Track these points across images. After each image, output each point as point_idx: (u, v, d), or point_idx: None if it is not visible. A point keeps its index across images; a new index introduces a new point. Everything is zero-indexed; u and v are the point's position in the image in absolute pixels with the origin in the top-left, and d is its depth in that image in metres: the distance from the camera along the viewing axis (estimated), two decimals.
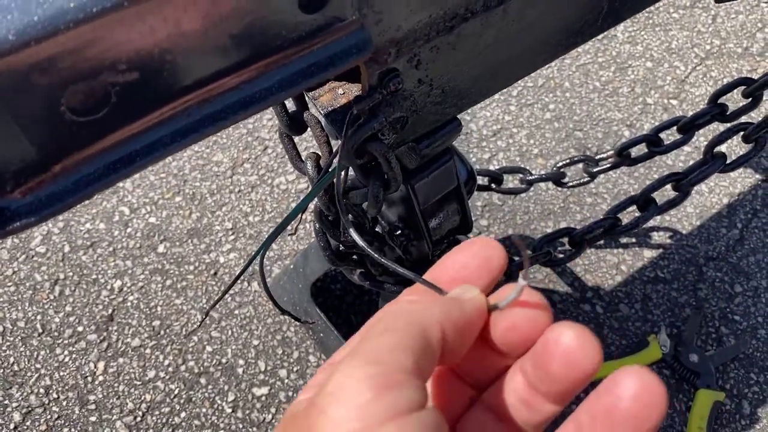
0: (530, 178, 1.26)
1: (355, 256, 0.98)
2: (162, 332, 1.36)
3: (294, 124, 0.83)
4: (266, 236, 1.43)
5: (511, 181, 1.47)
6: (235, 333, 1.35)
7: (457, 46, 0.67)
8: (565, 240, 1.10)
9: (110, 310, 1.38)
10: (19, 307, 1.39)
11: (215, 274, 1.43)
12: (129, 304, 1.39)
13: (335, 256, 0.95)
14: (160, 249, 1.46)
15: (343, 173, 0.77)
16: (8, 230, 0.47)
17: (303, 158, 0.88)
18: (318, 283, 1.30)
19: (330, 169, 0.78)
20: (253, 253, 0.87)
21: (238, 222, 1.49)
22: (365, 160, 0.75)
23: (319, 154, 0.88)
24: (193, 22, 0.45)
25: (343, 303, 1.38)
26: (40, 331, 1.36)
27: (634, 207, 1.06)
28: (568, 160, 1.24)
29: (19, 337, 1.35)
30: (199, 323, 1.34)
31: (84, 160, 0.48)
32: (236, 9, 0.46)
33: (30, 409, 1.28)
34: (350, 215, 0.92)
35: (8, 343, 1.35)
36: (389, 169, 0.72)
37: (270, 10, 0.49)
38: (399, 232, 0.97)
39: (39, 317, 1.38)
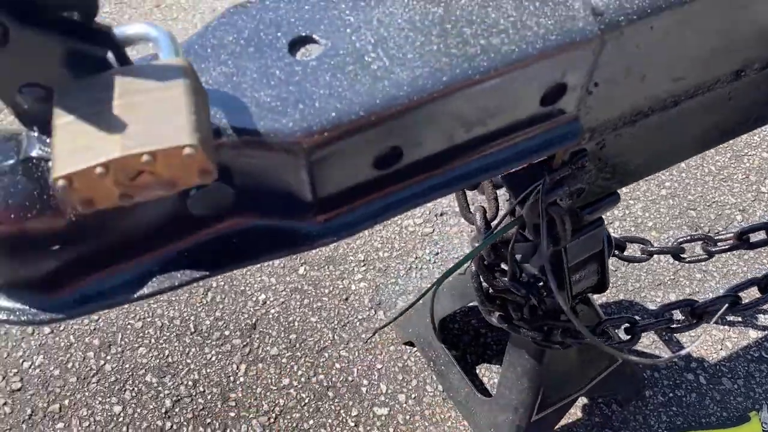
0: (651, 249, 1.36)
1: (498, 301, 1.12)
2: (297, 345, 1.52)
3: None
4: (393, 270, 1.58)
5: (632, 250, 1.57)
6: (361, 355, 1.50)
7: (635, 135, 0.81)
8: (686, 310, 1.20)
9: (254, 320, 1.56)
10: (176, 307, 1.59)
11: (347, 299, 1.59)
12: (270, 316, 1.56)
13: (485, 297, 1.09)
14: (301, 271, 1.63)
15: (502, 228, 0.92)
16: (315, 246, 0.64)
17: (472, 210, 1.03)
18: (441, 325, 1.44)
19: (501, 224, 0.93)
20: (425, 289, 1.02)
21: (369, 255, 1.66)
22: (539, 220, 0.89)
23: (486, 207, 1.03)
24: (471, 114, 0.61)
25: (460, 342, 1.51)
26: (192, 330, 1.55)
27: (754, 288, 1.16)
28: (688, 237, 1.34)
29: (175, 334, 1.55)
30: (365, 341, 1.50)
31: (370, 201, 0.64)
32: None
33: (179, 398, 1.46)
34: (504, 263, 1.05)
35: (165, 337, 1.54)
36: (563, 229, 0.86)
37: (519, 104, 0.64)
38: (541, 284, 1.09)
39: (192, 318, 1.57)
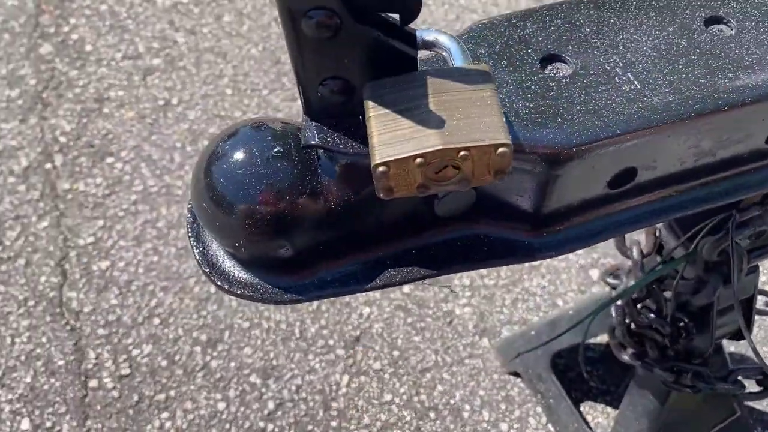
0: None
1: (636, 337, 1.11)
2: (400, 362, 1.53)
3: None
4: (499, 299, 1.58)
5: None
6: (464, 380, 1.50)
7: None
8: None
9: (358, 332, 1.58)
10: (282, 311, 1.61)
11: (450, 322, 1.60)
12: (374, 330, 1.58)
13: (627, 331, 1.08)
14: (405, 289, 1.65)
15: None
16: (535, 258, 0.65)
17: (627, 244, 1.03)
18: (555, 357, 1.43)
19: (667, 260, 0.93)
20: (587, 315, 1.02)
21: (475, 281, 1.66)
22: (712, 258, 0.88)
23: (640, 241, 1.03)
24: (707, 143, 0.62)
25: (564, 378, 1.50)
26: (298, 336, 1.58)
27: None
28: None
29: (280, 338, 1.57)
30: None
31: (590, 219, 0.66)
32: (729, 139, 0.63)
33: (282, 401, 1.48)
34: (652, 299, 1.05)
35: (270, 340, 1.57)
36: (739, 270, 0.86)
37: (750, 139, 0.65)
38: (682, 324, 1.09)
39: (298, 323, 1.59)
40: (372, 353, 1.55)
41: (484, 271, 1.68)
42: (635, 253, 0.99)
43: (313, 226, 0.58)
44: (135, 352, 1.56)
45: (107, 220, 1.77)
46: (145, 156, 1.90)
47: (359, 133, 0.55)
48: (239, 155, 0.56)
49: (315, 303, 1.63)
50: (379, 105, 0.48)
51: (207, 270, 0.61)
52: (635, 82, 0.60)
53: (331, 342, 1.56)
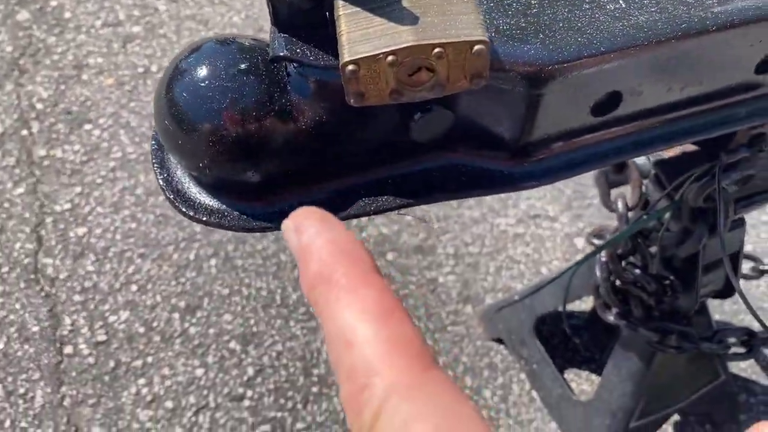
0: (763, 268, 1.33)
1: (620, 296, 1.09)
2: None
3: (620, 164, 0.97)
4: (483, 266, 1.57)
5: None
6: (447, 347, 1.48)
7: None
8: None
9: None
10: (264, 279, 1.59)
11: (433, 290, 1.57)
12: None
13: (611, 289, 1.06)
14: (389, 257, 1.62)
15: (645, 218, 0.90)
16: (516, 188, 0.62)
17: (612, 197, 1.01)
18: (538, 323, 1.41)
19: (649, 212, 0.91)
20: (572, 265, 1.00)
21: (459, 249, 1.64)
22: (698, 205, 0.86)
23: (626, 195, 1.01)
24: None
25: (548, 345, 1.48)
26: (279, 302, 1.55)
27: None
28: None
29: (261, 304, 1.55)
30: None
31: (574, 148, 0.63)
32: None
33: (262, 367, 1.45)
34: (638, 255, 1.03)
35: (251, 307, 1.54)
36: (725, 216, 0.84)
37: (738, 66, 0.63)
38: (668, 282, 1.07)
39: (279, 291, 1.57)
40: None
41: (469, 239, 1.66)
42: (620, 206, 0.97)
43: (283, 148, 0.55)
44: (111, 318, 1.53)
45: (85, 186, 1.73)
46: (124, 123, 1.86)
47: (332, 45, 0.52)
48: (202, 69, 0.53)
49: (297, 270, 1.60)
50: (349, 4, 0.45)
51: (171, 196, 0.58)
52: (620, 1, 0.57)
53: (312, 309, 1.54)
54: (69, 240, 1.65)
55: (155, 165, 0.60)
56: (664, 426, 1.36)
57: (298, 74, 0.53)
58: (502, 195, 1.75)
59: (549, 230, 1.67)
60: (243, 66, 0.53)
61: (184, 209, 0.58)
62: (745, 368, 1.45)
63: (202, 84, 0.53)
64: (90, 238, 1.65)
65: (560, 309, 1.40)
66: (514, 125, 0.59)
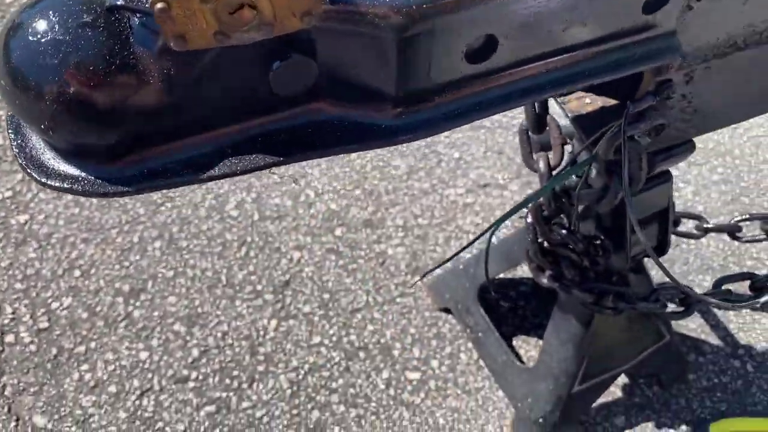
0: (707, 226, 1.31)
1: (551, 257, 1.08)
2: (330, 305, 1.48)
3: (538, 123, 0.95)
4: (432, 238, 1.54)
5: (687, 226, 1.50)
6: (395, 318, 1.46)
7: (722, 70, 0.77)
8: (744, 285, 1.15)
9: (287, 277, 1.53)
10: (209, 259, 1.56)
11: (383, 263, 1.55)
12: (304, 274, 1.53)
13: (540, 250, 1.04)
14: (337, 232, 1.60)
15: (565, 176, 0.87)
16: (394, 141, 0.60)
17: (535, 156, 0.99)
18: (481, 290, 1.39)
19: (569, 166, 0.88)
20: (484, 229, 0.98)
21: (409, 221, 1.62)
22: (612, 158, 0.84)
23: (549, 155, 0.99)
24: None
25: (496, 313, 1.47)
26: (224, 282, 1.52)
27: None
28: (747, 215, 1.29)
29: (206, 285, 1.52)
30: (420, 278, 1.49)
31: (454, 98, 0.60)
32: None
33: (207, 348, 1.43)
34: (563, 215, 1.01)
35: (195, 288, 1.51)
36: (639, 168, 0.81)
37: (623, 10, 0.60)
38: (599, 242, 1.05)
39: (224, 271, 1.54)
40: (302, 297, 1.50)
41: (418, 211, 1.64)
42: (542, 165, 0.95)
43: (130, 105, 0.52)
44: (54, 305, 1.50)
45: None
46: None
47: None
48: (39, 23, 0.50)
49: (243, 249, 1.57)
50: None
51: (23, 162, 0.55)
52: None
53: (259, 287, 1.51)
54: (10, 227, 1.61)
55: (10, 131, 0.57)
56: (612, 389, 1.35)
57: (141, 26, 0.50)
58: (452, 165, 1.73)
59: (499, 198, 1.65)
60: (85, 19, 0.50)
61: (36, 175, 0.55)
62: (695, 328, 1.44)
63: (37, 39, 0.49)
64: (32, 225, 1.61)
65: (508, 278, 1.39)
66: (387, 75, 0.56)
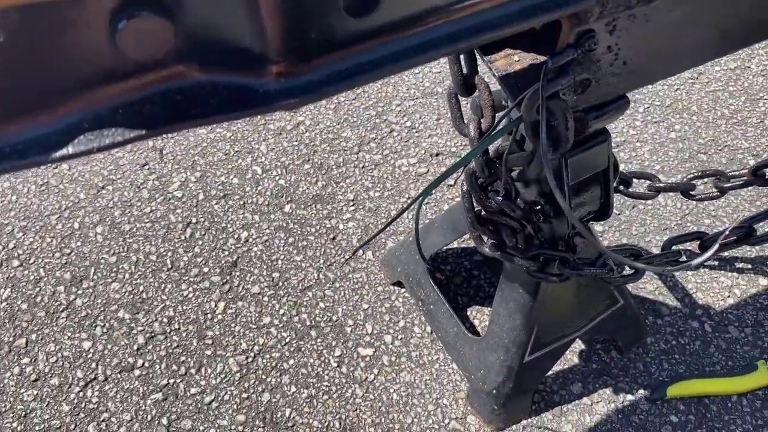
0: (659, 185, 1.27)
1: (491, 226, 1.03)
2: (280, 284, 1.44)
3: (465, 85, 0.89)
4: (384, 210, 1.50)
5: (638, 187, 1.46)
6: (347, 295, 1.42)
7: (649, 19, 0.72)
8: (695, 243, 1.11)
9: (235, 257, 1.48)
10: (153, 243, 1.50)
11: (334, 238, 1.50)
12: (252, 254, 1.48)
13: (477, 219, 1.00)
14: (286, 209, 1.55)
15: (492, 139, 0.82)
16: (274, 107, 0.54)
17: (465, 120, 0.94)
18: (431, 261, 1.35)
19: (499, 127, 0.84)
20: (410, 201, 0.93)
21: (360, 195, 1.57)
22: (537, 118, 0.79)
23: (480, 119, 0.94)
24: None
25: (451, 284, 1.43)
26: (169, 266, 1.47)
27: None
28: (699, 173, 1.25)
29: (150, 269, 1.46)
30: (346, 259, 1.43)
31: (340, 59, 0.55)
32: None
33: (153, 334, 1.38)
34: (499, 181, 0.96)
35: (140, 273, 1.46)
36: (565, 128, 0.77)
37: None
38: (539, 208, 1.00)
39: (169, 254, 1.48)
40: (250, 277, 1.45)
41: (369, 183, 1.59)
42: (472, 129, 0.90)
43: None
44: None
45: None
46: None
47: None
48: None
49: (188, 231, 1.52)
50: None
51: None
52: None
53: (205, 269, 1.46)
54: None
55: None
56: (568, 356, 1.33)
57: None
58: (404, 134, 1.68)
59: None
60: None
61: None
62: (652, 290, 1.41)
63: None
64: None
65: (458, 248, 1.35)
66: (258, 35, 0.51)
